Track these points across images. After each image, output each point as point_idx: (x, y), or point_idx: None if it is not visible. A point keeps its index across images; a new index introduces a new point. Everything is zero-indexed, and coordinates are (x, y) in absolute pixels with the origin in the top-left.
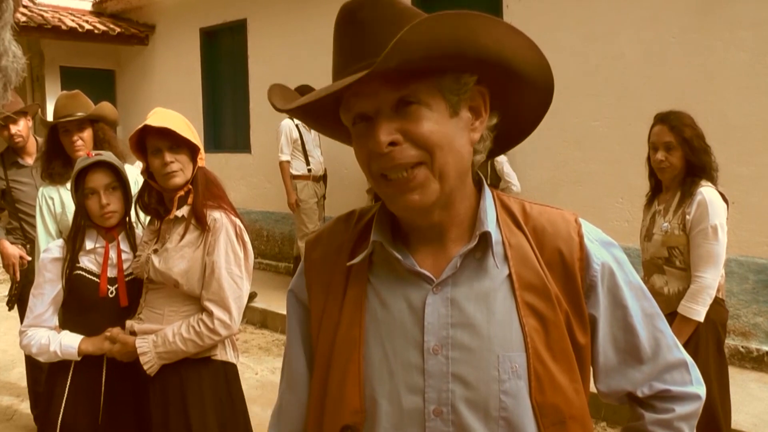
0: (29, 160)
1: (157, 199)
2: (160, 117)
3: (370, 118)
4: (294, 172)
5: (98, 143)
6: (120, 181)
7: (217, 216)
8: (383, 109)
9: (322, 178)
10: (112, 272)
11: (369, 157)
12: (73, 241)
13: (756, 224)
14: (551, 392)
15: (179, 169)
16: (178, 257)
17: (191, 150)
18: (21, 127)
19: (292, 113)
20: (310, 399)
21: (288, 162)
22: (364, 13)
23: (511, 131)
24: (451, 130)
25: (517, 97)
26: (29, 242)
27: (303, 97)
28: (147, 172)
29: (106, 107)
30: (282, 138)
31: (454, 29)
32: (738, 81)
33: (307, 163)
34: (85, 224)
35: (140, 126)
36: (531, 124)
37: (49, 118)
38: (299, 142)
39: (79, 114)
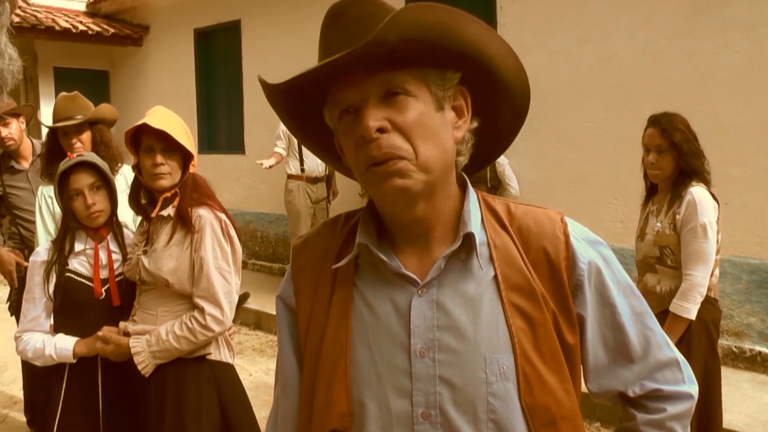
0: (25, 164)
1: (148, 198)
2: (159, 118)
3: (357, 109)
4: (287, 171)
5: (96, 145)
6: (104, 180)
7: (202, 212)
8: (370, 98)
9: (321, 180)
10: (102, 273)
11: (357, 148)
12: (62, 244)
13: (749, 224)
14: (541, 393)
15: (168, 173)
16: (166, 256)
17: (184, 155)
18: (12, 130)
19: (279, 99)
20: (300, 403)
21: (280, 154)
22: (354, 9)
23: (490, 142)
24: (437, 122)
25: (495, 105)
26: (27, 248)
27: (289, 78)
28: (137, 167)
29: (105, 110)
30: (279, 130)
31: (443, 17)
32: (731, 82)
33: (301, 162)
34: (73, 226)
35: (139, 123)
36: (506, 139)
37: (48, 118)
38: (294, 139)
39: (78, 117)
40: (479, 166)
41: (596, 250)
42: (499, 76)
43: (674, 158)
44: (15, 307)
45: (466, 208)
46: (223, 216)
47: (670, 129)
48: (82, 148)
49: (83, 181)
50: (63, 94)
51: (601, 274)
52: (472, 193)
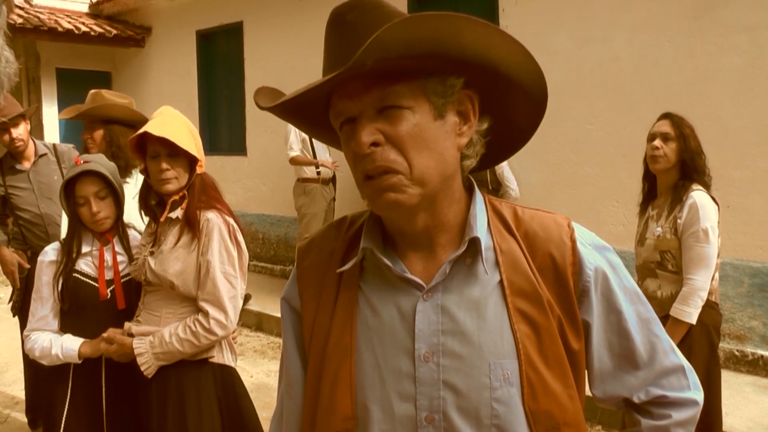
0: (26, 164)
1: (157, 200)
2: (163, 122)
3: (354, 121)
4: (303, 175)
5: (107, 145)
6: (110, 187)
7: (210, 216)
8: (366, 110)
9: (331, 181)
10: (108, 274)
11: (354, 160)
12: (69, 246)
13: (751, 228)
14: (544, 399)
15: (174, 177)
16: (173, 258)
17: (190, 158)
18: (21, 131)
19: (276, 112)
20: (303, 405)
21: (299, 155)
22: (352, 16)
23: (508, 139)
24: (434, 133)
25: (509, 103)
26: (30, 248)
27: (285, 96)
28: (145, 171)
29: (116, 109)
30: (291, 135)
31: (435, 29)
32: (732, 85)
33: (316, 165)
34: (80, 229)
35: (140, 131)
36: (527, 131)
37: (54, 118)
38: (308, 142)
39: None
40: (501, 158)
41: (603, 255)
42: (510, 77)
43: (679, 151)
44: (17, 308)
45: (472, 212)
46: (231, 220)
47: (680, 122)
48: (93, 144)
49: (88, 189)
50: (92, 90)
51: (608, 280)
52: (479, 197)
